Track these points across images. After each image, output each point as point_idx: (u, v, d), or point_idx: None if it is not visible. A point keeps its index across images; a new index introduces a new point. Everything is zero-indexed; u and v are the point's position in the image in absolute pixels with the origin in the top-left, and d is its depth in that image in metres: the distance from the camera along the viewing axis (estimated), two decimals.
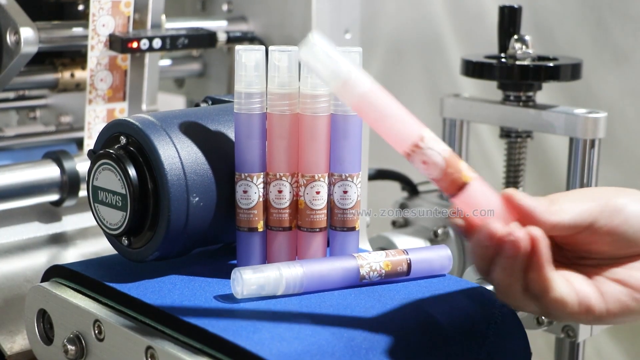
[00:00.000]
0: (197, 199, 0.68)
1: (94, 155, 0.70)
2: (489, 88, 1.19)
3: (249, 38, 1.10)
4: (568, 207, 0.60)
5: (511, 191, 0.60)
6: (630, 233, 0.61)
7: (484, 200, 0.59)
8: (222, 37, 1.04)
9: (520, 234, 0.57)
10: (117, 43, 0.92)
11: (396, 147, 0.60)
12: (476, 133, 1.43)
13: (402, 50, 1.48)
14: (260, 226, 0.70)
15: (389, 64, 1.49)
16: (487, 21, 1.40)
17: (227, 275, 0.66)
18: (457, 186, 0.59)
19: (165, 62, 1.16)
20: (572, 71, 1.06)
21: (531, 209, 0.59)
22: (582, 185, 1.02)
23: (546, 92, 1.12)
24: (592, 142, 1.01)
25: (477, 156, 1.44)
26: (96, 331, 0.67)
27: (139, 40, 0.93)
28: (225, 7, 1.15)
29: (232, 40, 1.06)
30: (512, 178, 1.12)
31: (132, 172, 0.67)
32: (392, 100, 0.60)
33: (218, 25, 1.10)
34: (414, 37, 1.48)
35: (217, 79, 1.19)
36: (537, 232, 0.57)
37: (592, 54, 1.28)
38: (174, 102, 1.26)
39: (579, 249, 0.62)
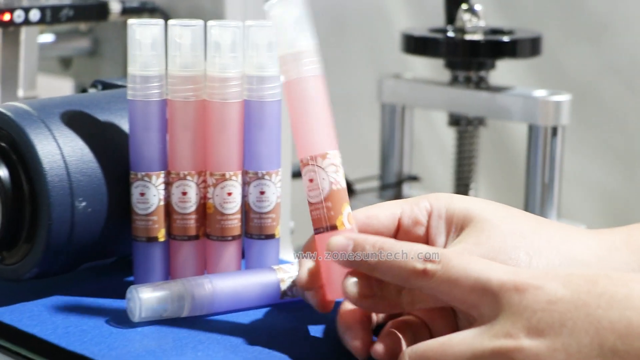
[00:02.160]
0: (84, 203, 0.67)
1: None
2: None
3: (148, 9, 1.09)
4: None
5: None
6: None
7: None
8: (115, 7, 1.03)
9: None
10: None
11: (297, 149, 0.63)
12: (429, 120, 1.43)
13: (344, 24, 1.49)
14: (161, 235, 0.69)
15: (328, 40, 1.50)
16: None
17: (122, 295, 0.66)
18: (326, 225, 0.63)
19: (47, 38, 1.15)
20: (531, 46, 1.07)
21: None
22: (543, 181, 1.04)
23: (501, 72, 1.14)
24: (554, 130, 1.03)
25: (424, 148, 1.45)
26: None
27: (11, 11, 0.91)
28: None
29: (128, 11, 1.05)
30: (464, 172, 1.14)
31: (3, 172, 0.66)
32: (325, 103, 0.63)
33: None
34: (357, 8, 1.48)
35: (111, 58, 1.17)
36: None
37: (560, 25, 1.30)
38: (60, 87, 1.24)
39: None
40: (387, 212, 0.66)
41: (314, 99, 0.63)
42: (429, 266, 0.56)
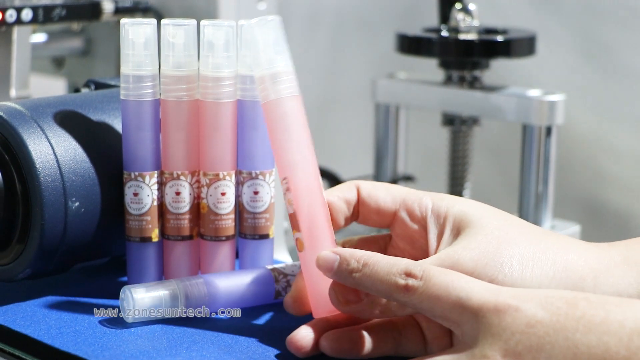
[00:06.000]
0: (77, 204, 0.67)
1: None
2: None
3: (141, 9, 1.09)
4: None
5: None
6: None
7: (314, 275, 0.63)
8: (108, 7, 1.03)
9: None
10: None
11: (281, 166, 0.64)
12: (423, 120, 1.43)
13: (349, 23, 1.49)
14: (154, 235, 0.70)
15: (332, 40, 1.50)
16: None
17: (116, 295, 0.66)
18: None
19: (40, 37, 1.15)
20: (527, 46, 1.08)
21: None
22: (537, 181, 1.04)
23: (495, 72, 1.14)
24: (549, 130, 1.03)
25: (418, 147, 1.45)
26: None
27: (3, 10, 0.91)
28: None
29: (121, 11, 1.05)
30: (458, 172, 1.14)
31: None
32: (305, 123, 0.64)
33: None
34: (354, 7, 1.49)
35: (104, 58, 1.17)
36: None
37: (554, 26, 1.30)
38: (52, 87, 1.24)
39: None
40: (388, 198, 0.67)
41: (293, 119, 0.64)
42: (411, 282, 0.57)
